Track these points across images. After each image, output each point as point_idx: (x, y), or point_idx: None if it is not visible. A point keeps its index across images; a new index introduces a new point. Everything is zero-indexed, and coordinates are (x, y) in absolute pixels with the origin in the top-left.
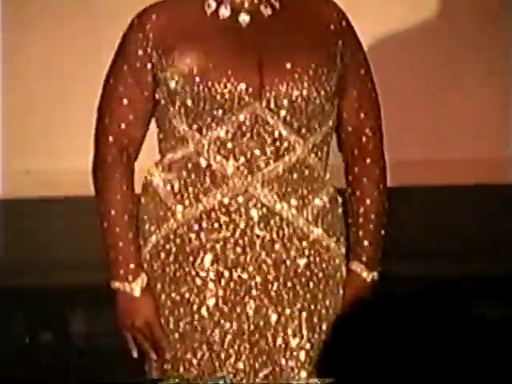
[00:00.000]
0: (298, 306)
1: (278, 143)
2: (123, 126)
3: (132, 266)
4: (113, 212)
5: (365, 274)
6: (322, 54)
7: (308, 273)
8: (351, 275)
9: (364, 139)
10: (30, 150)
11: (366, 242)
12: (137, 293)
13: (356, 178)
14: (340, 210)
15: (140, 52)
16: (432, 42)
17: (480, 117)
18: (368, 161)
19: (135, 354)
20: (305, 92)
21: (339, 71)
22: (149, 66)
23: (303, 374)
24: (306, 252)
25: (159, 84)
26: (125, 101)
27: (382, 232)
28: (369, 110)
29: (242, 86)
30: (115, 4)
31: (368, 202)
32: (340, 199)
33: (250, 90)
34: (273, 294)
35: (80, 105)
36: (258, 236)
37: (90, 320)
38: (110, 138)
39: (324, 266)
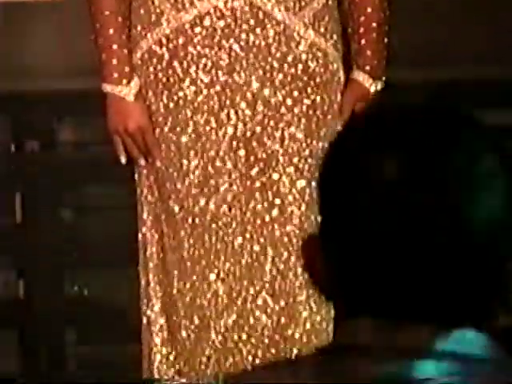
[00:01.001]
0: (296, 111)
1: None
2: None
3: (126, 69)
4: (106, 12)
5: (368, 84)
6: None
7: (305, 78)
8: (353, 85)
9: None
10: None
11: (368, 52)
12: (131, 97)
13: None
14: (336, 13)
15: None
16: None
17: None
18: None
19: (123, 160)
20: None
21: None
22: None
23: (302, 182)
24: (304, 56)
25: None
26: None
27: (385, 40)
28: None
29: None
30: None
31: (369, 10)
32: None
33: None
34: (271, 100)
35: None
36: (253, 42)
37: (78, 129)
38: None
39: (322, 70)
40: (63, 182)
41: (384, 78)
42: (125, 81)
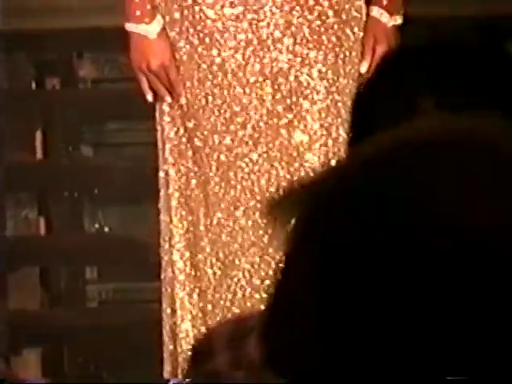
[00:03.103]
0: (323, 47)
1: None
2: None
3: (149, 6)
4: None
5: (385, 19)
6: None
7: (331, 13)
8: (371, 22)
9: None
10: None
11: None
12: (153, 35)
13: None
14: None
15: None
16: None
17: None
18: None
19: (150, 98)
20: None
21: None
22: None
23: (329, 119)
24: None
25: None
26: None
27: None
28: None
29: None
30: None
31: None
32: None
33: None
34: (298, 37)
35: None
36: None
37: (98, 65)
38: None
39: (347, 6)
40: (83, 119)
41: (402, 12)
42: (148, 19)
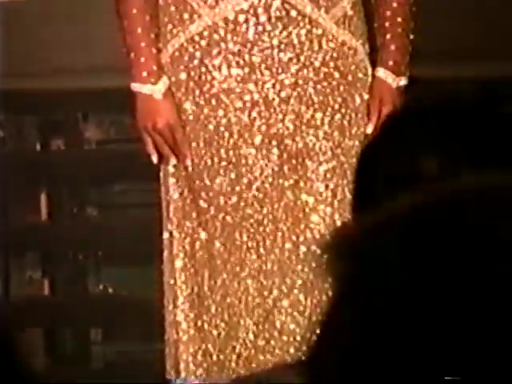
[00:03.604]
0: (329, 109)
1: None
2: None
3: (154, 67)
4: (134, 11)
5: (390, 80)
6: None
7: (337, 75)
8: (376, 82)
9: None
10: None
11: (392, 47)
12: (159, 95)
13: None
14: (363, 13)
15: None
16: None
17: None
18: None
19: (155, 159)
20: None
21: None
22: None
23: (334, 180)
24: (335, 54)
25: None
26: None
27: (411, 36)
28: None
29: None
30: None
31: (395, 4)
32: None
33: None
34: (304, 98)
35: None
36: (287, 39)
37: (102, 126)
38: None
39: (353, 68)
40: (88, 180)
41: (408, 74)
42: (153, 79)
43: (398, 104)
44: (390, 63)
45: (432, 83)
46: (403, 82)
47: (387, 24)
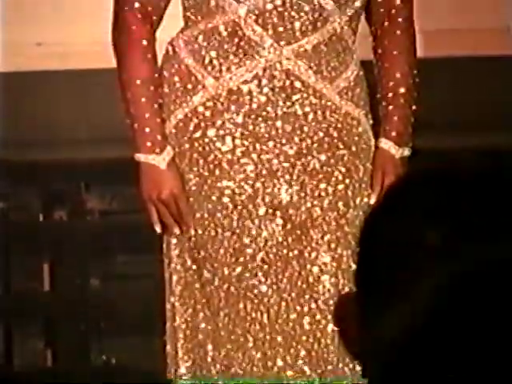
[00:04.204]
0: (333, 179)
1: (316, 14)
2: None
3: (159, 137)
4: (138, 81)
5: (393, 151)
6: None
7: (341, 145)
8: (379, 152)
9: (394, 11)
10: (41, 21)
11: (395, 117)
12: (164, 165)
13: (386, 50)
14: (365, 84)
15: None
16: None
17: None
18: (398, 32)
19: (158, 230)
20: None
21: None
22: None
23: (339, 250)
24: (339, 125)
25: None
26: None
27: (413, 107)
28: None
29: None
30: None
31: (398, 75)
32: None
33: None
34: (308, 169)
35: None
36: (290, 110)
37: (105, 197)
38: (136, 4)
39: (356, 139)
40: (91, 251)
41: (411, 144)
42: (158, 150)
43: (400, 175)
44: (393, 134)
45: (435, 154)
46: (406, 152)
47: (390, 95)
